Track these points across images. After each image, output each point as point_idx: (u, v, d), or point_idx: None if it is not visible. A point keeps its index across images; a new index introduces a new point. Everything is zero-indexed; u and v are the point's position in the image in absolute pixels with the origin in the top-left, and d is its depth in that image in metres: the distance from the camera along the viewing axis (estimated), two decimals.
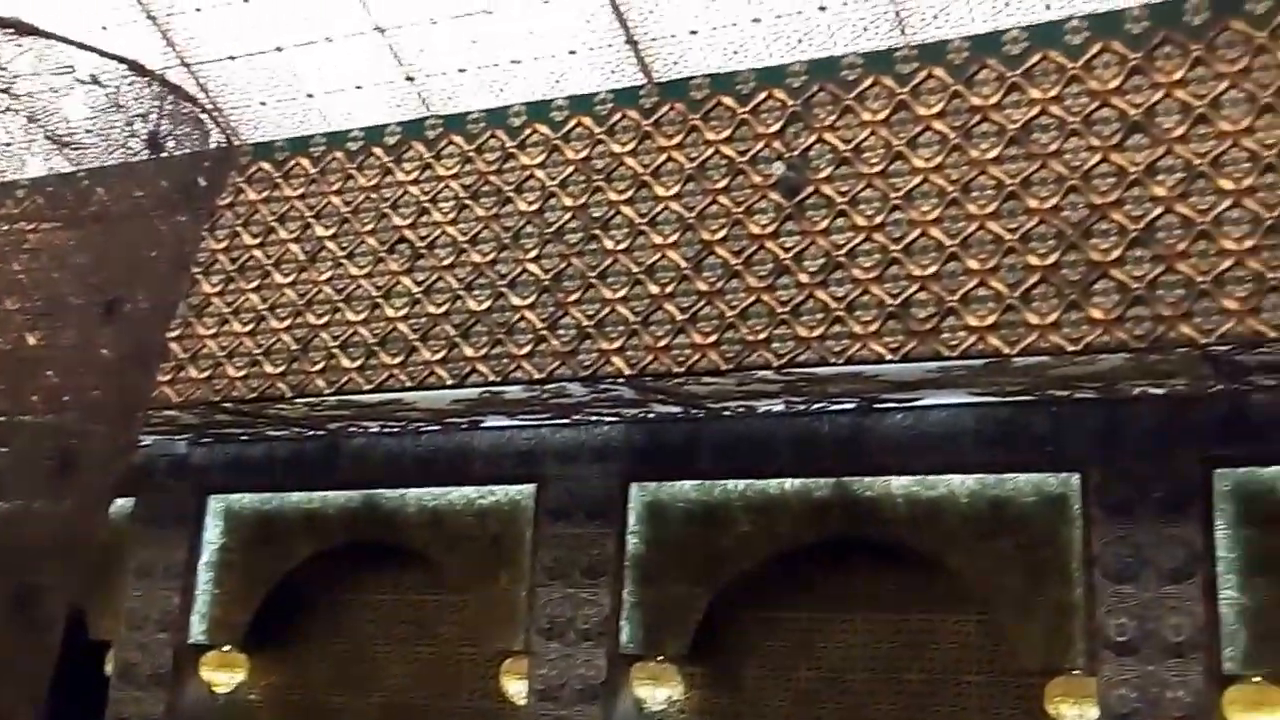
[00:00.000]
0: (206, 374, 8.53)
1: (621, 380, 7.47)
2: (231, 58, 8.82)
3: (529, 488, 8.63)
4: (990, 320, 6.55)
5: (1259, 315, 6.07)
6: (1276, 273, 6.05)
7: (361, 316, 8.15)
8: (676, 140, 7.43)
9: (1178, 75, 6.32)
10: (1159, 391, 6.97)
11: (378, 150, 8.41)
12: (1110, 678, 6.86)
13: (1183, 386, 6.89)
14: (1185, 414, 6.98)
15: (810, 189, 7.08)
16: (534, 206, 7.78)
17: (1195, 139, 6.30)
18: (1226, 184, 6.23)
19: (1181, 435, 6.96)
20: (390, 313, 8.06)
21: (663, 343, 7.26)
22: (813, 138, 7.09)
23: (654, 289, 7.32)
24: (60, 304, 5.45)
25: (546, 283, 7.60)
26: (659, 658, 8.03)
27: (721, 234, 7.24)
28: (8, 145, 5.73)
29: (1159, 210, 6.32)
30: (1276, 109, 6.13)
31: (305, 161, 8.70)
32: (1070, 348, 6.43)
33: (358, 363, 8.09)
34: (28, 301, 5.68)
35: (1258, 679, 6.73)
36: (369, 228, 8.34)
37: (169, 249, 6.03)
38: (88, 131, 5.32)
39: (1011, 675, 7.30)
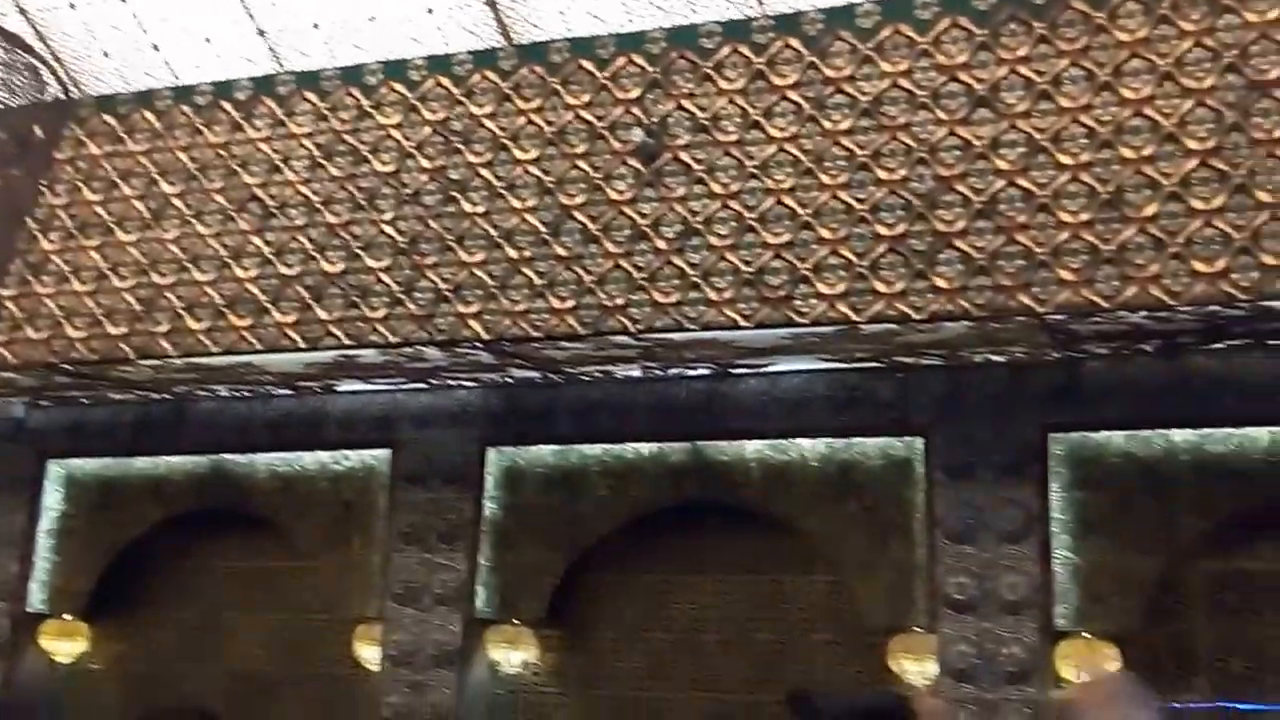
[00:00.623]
0: (46, 334, 8.41)
1: (479, 345, 7.60)
2: (72, 5, 8.66)
3: (384, 453, 8.69)
4: (841, 288, 6.85)
5: (1093, 285, 6.47)
6: (1110, 245, 6.45)
7: (210, 277, 8.12)
8: (536, 104, 7.56)
9: (1022, 52, 6.67)
10: (999, 359, 7.36)
11: (227, 106, 8.37)
12: (950, 635, 7.25)
13: (1022, 354, 7.29)
14: (1023, 381, 7.39)
15: (668, 156, 7.29)
16: (390, 168, 7.85)
17: (1037, 114, 6.66)
18: (1065, 159, 6.61)
19: (1020, 401, 7.36)
20: (240, 273, 8.05)
21: (521, 307, 7.41)
22: (671, 105, 7.29)
23: (512, 253, 7.46)
24: None
25: (403, 245, 7.68)
26: (514, 622, 8.21)
27: (580, 199, 7.40)
28: None
29: (1002, 183, 6.68)
30: (1114, 87, 6.51)
31: (150, 116, 8.61)
32: (916, 316, 6.77)
33: (205, 324, 8.07)
34: None
35: (1087, 634, 7.19)
36: (218, 186, 8.29)
37: (2, 202, 6.01)
38: None
39: (857, 633, 7.66)
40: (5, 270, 4.95)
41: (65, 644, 9.22)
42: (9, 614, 9.28)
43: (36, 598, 9.39)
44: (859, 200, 6.91)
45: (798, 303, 6.95)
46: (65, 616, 9.26)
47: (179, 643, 9.16)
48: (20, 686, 9.02)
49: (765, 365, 7.72)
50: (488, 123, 7.72)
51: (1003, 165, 6.71)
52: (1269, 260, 6.13)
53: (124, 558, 9.29)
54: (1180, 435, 7.25)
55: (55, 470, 9.53)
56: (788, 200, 7.03)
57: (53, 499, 9.52)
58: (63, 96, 8.77)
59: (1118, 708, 4.07)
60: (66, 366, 8.52)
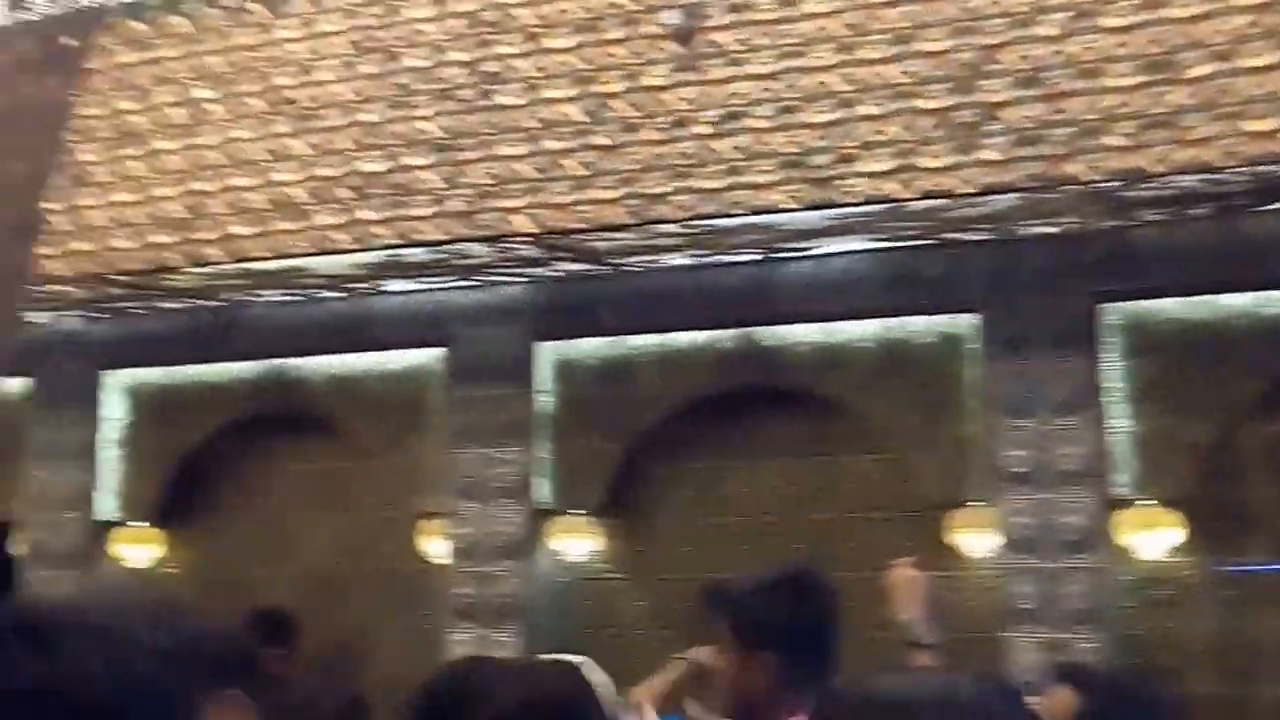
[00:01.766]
0: (93, 246, 8.82)
1: (524, 239, 7.93)
2: None
3: (437, 351, 9.05)
4: (886, 166, 7.09)
5: (1143, 151, 6.68)
6: (1159, 108, 6.64)
7: (253, 181, 8.49)
8: None
9: None
10: (1049, 230, 7.57)
11: (256, 7, 8.65)
12: (1008, 507, 7.59)
13: (1072, 224, 7.48)
14: (1074, 251, 7.58)
15: (705, 39, 7.50)
16: (425, 63, 8.12)
17: None
18: (1111, 22, 6.77)
19: (1071, 272, 7.56)
20: (282, 177, 8.40)
21: (564, 200, 7.72)
22: None
23: (552, 145, 7.75)
24: None
25: (443, 142, 7.98)
26: (575, 512, 8.64)
27: (618, 87, 7.65)
28: None
29: (1046, 50, 6.86)
30: None
31: (181, 20, 8.91)
32: (963, 190, 7.01)
33: (251, 229, 8.45)
34: None
35: (1146, 501, 7.50)
36: (253, 89, 8.62)
37: (38, 113, 6.34)
38: None
39: (913, 510, 8.00)
40: (47, 180, 5.31)
41: (138, 550, 9.76)
42: (79, 522, 9.80)
43: (104, 506, 9.90)
44: (901, 75, 7.11)
45: (843, 183, 7.21)
46: (137, 523, 9.79)
47: (248, 546, 9.66)
48: (100, 590, 9.58)
49: (812, 248, 7.96)
50: (519, 11, 7.95)
51: (1046, 32, 6.87)
52: None
53: (188, 464, 9.77)
54: (1234, 299, 7.45)
55: (113, 381, 9.98)
56: (828, 78, 7.24)
57: (112, 409, 9.99)
58: (91, 4, 9.08)
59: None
60: (117, 277, 8.95)
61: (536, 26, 7.94)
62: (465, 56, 8.05)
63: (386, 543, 9.19)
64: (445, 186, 7.95)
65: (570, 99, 7.76)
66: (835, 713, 1.87)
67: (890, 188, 7.18)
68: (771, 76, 7.41)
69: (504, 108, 7.91)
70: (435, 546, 8.89)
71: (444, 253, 8.24)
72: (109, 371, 9.96)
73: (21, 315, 9.49)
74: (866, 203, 7.28)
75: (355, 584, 9.27)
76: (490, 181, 7.88)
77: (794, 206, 7.37)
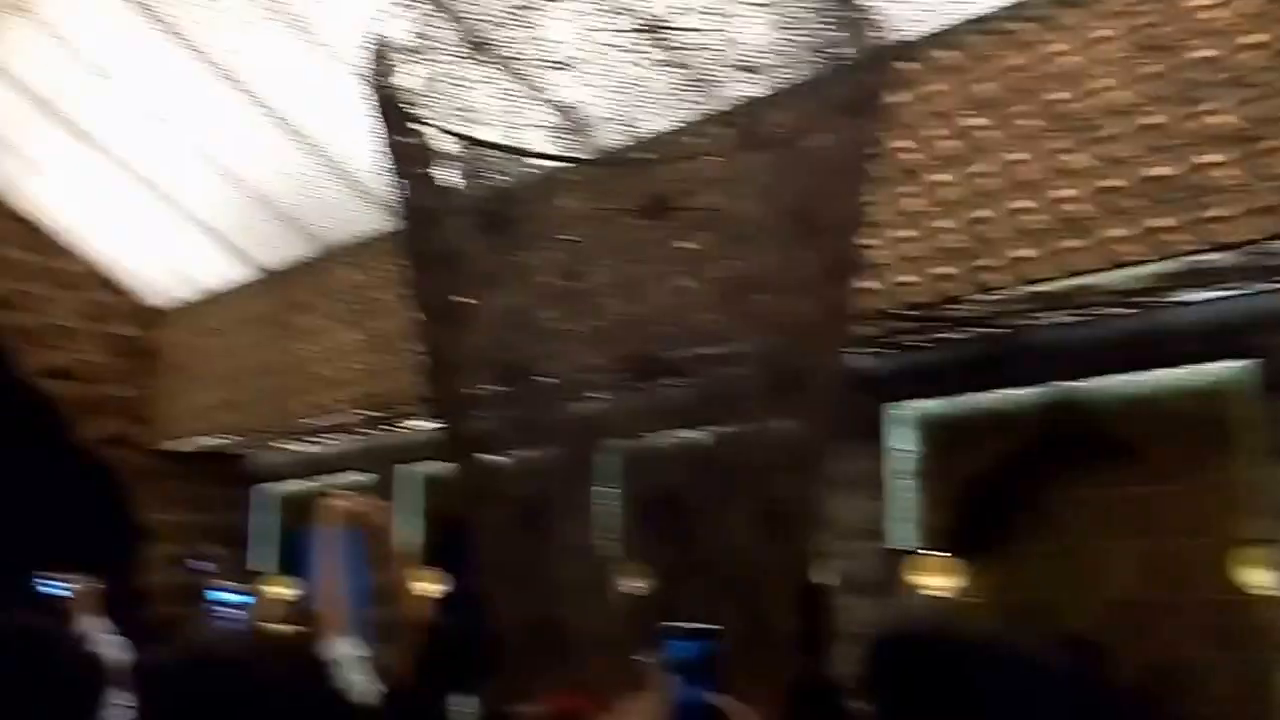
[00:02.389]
0: (878, 283, 9.11)
1: None
2: None
3: (1243, 363, 8.42)
4: None
5: None
6: None
7: (1032, 202, 8.37)
8: None
9: None
10: None
11: (1025, 26, 8.56)
12: None
13: None
14: None
15: None
16: (1216, 52, 7.61)
17: None
18: None
19: None
20: (1064, 193, 8.21)
21: None
22: None
23: None
24: (757, 227, 6.15)
25: (1243, 134, 7.42)
26: None
27: None
28: (690, 81, 6.52)
29: None
30: None
31: (946, 53, 9.02)
32: None
33: (1034, 251, 8.33)
34: (730, 229, 6.44)
35: None
36: (1027, 109, 8.52)
37: (850, 159, 6.61)
38: (766, 53, 5.96)
39: None
40: (860, 224, 5.46)
41: (937, 579, 9.93)
42: (875, 552, 10.15)
43: (898, 535, 10.17)
44: None
45: None
46: (933, 551, 9.98)
47: (1048, 573, 9.48)
48: (903, 618, 9.83)
49: None
50: None
51: None
52: None
53: (978, 492, 9.83)
54: None
55: (900, 414, 10.28)
56: None
57: (899, 441, 10.27)
58: (883, 44, 9.50)
59: None
60: (902, 311, 9.18)
61: None
62: (1264, 38, 7.45)
63: (1200, 571, 8.62)
64: (1249, 182, 7.38)
65: None
66: None
67: None
68: None
69: None
70: (1256, 577, 8.20)
71: (1249, 254, 7.64)
72: (894, 405, 10.26)
73: (847, 357, 10.02)
74: None
75: (1165, 615, 8.77)
76: None
77: None
